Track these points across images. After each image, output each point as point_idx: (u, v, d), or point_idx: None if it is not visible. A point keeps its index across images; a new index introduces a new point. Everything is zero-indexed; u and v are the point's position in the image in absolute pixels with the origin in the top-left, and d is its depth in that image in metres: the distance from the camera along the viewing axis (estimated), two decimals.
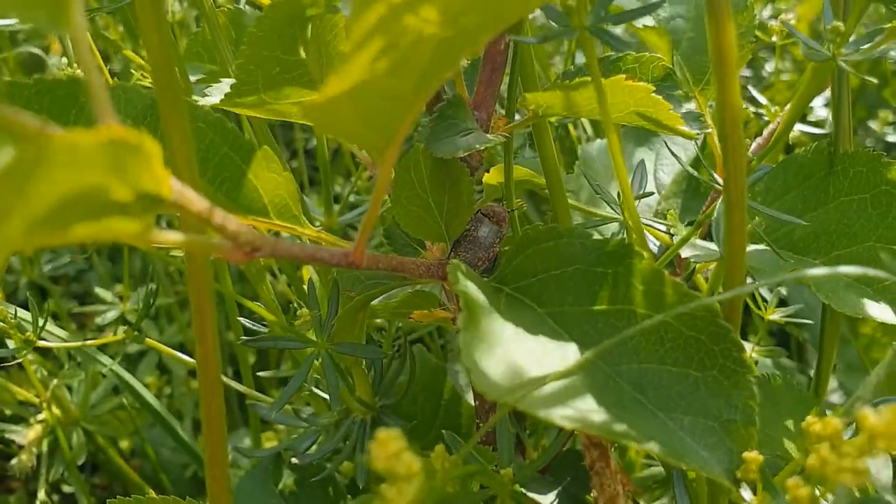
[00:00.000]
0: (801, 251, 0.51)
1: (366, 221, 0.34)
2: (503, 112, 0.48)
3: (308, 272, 0.81)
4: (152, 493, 0.67)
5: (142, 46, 0.68)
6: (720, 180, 0.47)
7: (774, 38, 0.63)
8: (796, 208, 0.52)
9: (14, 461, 0.79)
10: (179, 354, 0.71)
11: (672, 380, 0.36)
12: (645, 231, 0.51)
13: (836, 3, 0.50)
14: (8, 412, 0.84)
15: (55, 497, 0.90)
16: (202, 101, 0.41)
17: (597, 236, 0.41)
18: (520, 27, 0.43)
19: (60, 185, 0.20)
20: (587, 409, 0.34)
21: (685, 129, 0.42)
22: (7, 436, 0.79)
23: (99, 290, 0.85)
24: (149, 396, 0.75)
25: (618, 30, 0.72)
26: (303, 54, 0.37)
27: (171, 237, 0.27)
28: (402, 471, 0.27)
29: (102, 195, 0.22)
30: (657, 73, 0.45)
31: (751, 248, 0.51)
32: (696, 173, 0.46)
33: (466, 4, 0.24)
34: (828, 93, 0.75)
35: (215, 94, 0.42)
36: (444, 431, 0.46)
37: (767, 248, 0.49)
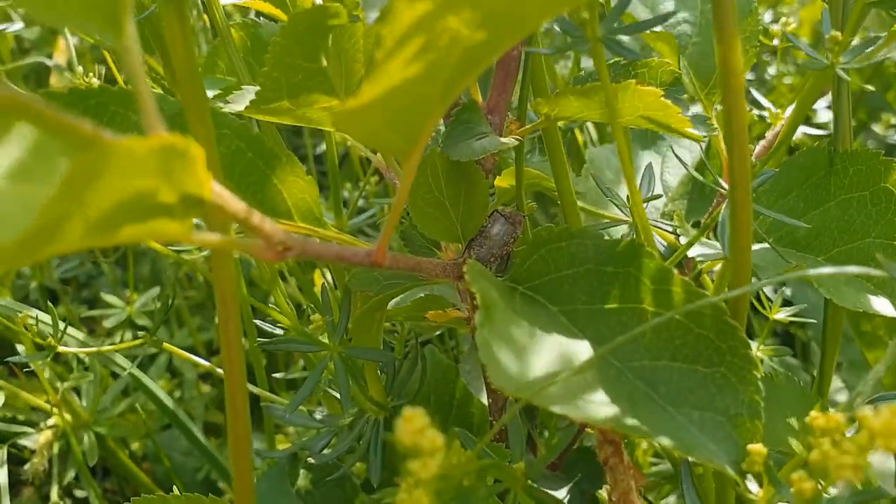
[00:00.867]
0: (802, 248, 0.52)
1: (388, 222, 0.35)
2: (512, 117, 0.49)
3: (319, 277, 0.82)
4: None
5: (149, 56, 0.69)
6: (724, 184, 0.49)
7: (776, 42, 0.64)
8: (798, 207, 0.53)
9: (27, 466, 0.80)
10: (195, 358, 0.72)
11: (681, 376, 0.37)
12: (652, 232, 0.52)
13: (835, 9, 0.51)
14: (20, 417, 0.86)
15: (67, 501, 0.91)
16: (226, 108, 0.42)
17: (606, 237, 0.42)
18: (532, 36, 0.44)
19: (117, 190, 0.21)
20: (600, 405, 0.35)
21: (693, 131, 0.43)
22: (19, 441, 0.80)
23: (108, 297, 0.86)
24: (165, 398, 0.76)
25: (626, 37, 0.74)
26: (324, 62, 0.39)
27: (209, 237, 0.29)
28: (426, 445, 0.28)
29: (151, 198, 0.24)
30: (665, 78, 0.46)
31: (754, 246, 0.52)
32: (701, 178, 0.48)
33: (505, 7, 0.25)
34: (830, 95, 0.77)
35: (238, 102, 0.43)
36: (457, 429, 0.47)
37: (770, 246, 0.50)
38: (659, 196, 0.58)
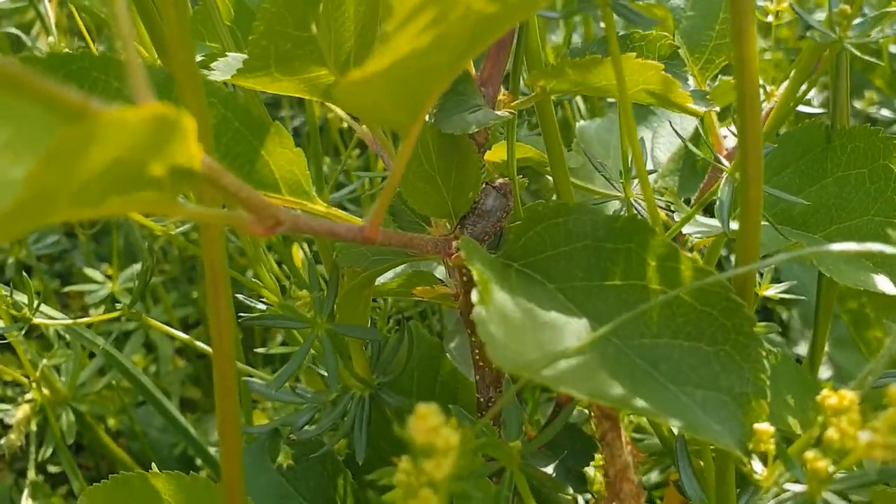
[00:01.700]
0: (800, 226, 0.51)
1: (382, 197, 0.34)
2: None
3: (297, 251, 0.81)
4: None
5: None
6: (722, 158, 0.48)
7: (770, 18, 0.63)
8: (794, 183, 0.53)
9: (2, 441, 0.78)
10: (174, 331, 0.70)
11: (684, 354, 0.36)
12: (642, 207, 0.52)
13: None
14: None
15: (40, 477, 0.90)
16: (210, 77, 0.41)
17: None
18: None
19: (106, 161, 0.20)
20: (601, 382, 0.34)
21: (693, 106, 0.42)
22: None
23: (88, 270, 0.84)
24: (140, 375, 0.74)
25: None
26: (314, 30, 0.37)
27: (196, 210, 0.27)
28: (441, 444, 0.27)
29: (140, 170, 0.22)
30: (664, 52, 0.45)
31: None
32: (698, 151, 0.47)
33: None
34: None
35: (223, 70, 0.41)
36: (451, 406, 0.46)
37: (767, 223, 0.49)
38: (652, 172, 0.57)
